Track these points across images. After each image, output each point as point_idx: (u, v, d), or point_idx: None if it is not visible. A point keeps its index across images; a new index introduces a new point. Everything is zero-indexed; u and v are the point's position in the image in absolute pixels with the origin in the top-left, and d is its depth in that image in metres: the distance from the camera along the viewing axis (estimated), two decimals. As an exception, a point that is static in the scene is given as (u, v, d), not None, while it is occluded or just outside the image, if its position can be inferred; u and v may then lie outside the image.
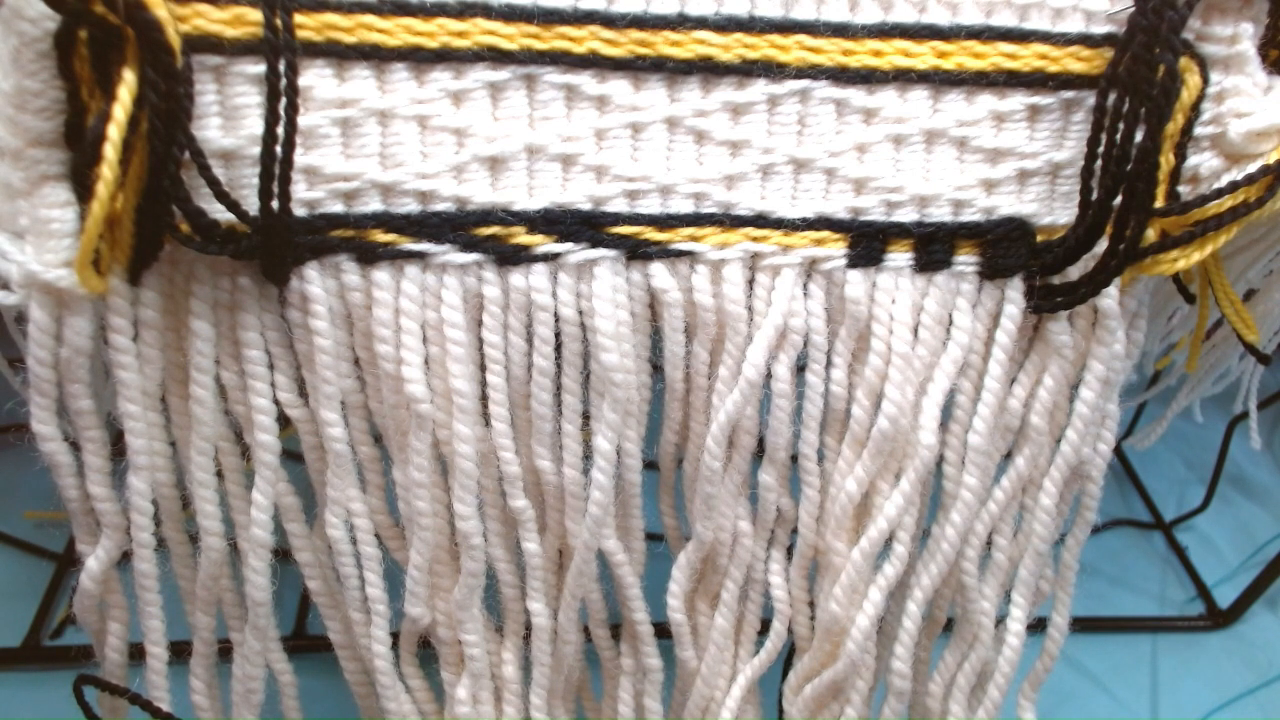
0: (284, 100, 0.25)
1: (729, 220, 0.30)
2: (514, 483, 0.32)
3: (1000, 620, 0.37)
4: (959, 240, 0.31)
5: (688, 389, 0.33)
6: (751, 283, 0.32)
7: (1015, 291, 0.32)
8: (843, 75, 0.29)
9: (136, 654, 0.32)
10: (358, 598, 0.33)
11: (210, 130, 0.26)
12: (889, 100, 0.29)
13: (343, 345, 0.30)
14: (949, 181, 0.31)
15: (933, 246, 0.31)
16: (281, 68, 0.24)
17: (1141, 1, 0.27)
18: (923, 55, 0.29)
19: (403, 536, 0.34)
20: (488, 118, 0.28)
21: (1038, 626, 0.38)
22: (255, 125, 0.26)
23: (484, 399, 0.31)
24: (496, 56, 0.27)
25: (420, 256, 0.29)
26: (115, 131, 0.24)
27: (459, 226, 0.29)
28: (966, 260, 0.32)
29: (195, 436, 0.30)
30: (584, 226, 0.30)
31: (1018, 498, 0.35)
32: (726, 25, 0.28)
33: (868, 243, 0.31)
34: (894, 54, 0.29)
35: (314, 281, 0.29)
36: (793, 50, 0.28)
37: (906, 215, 0.31)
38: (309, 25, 0.26)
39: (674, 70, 0.28)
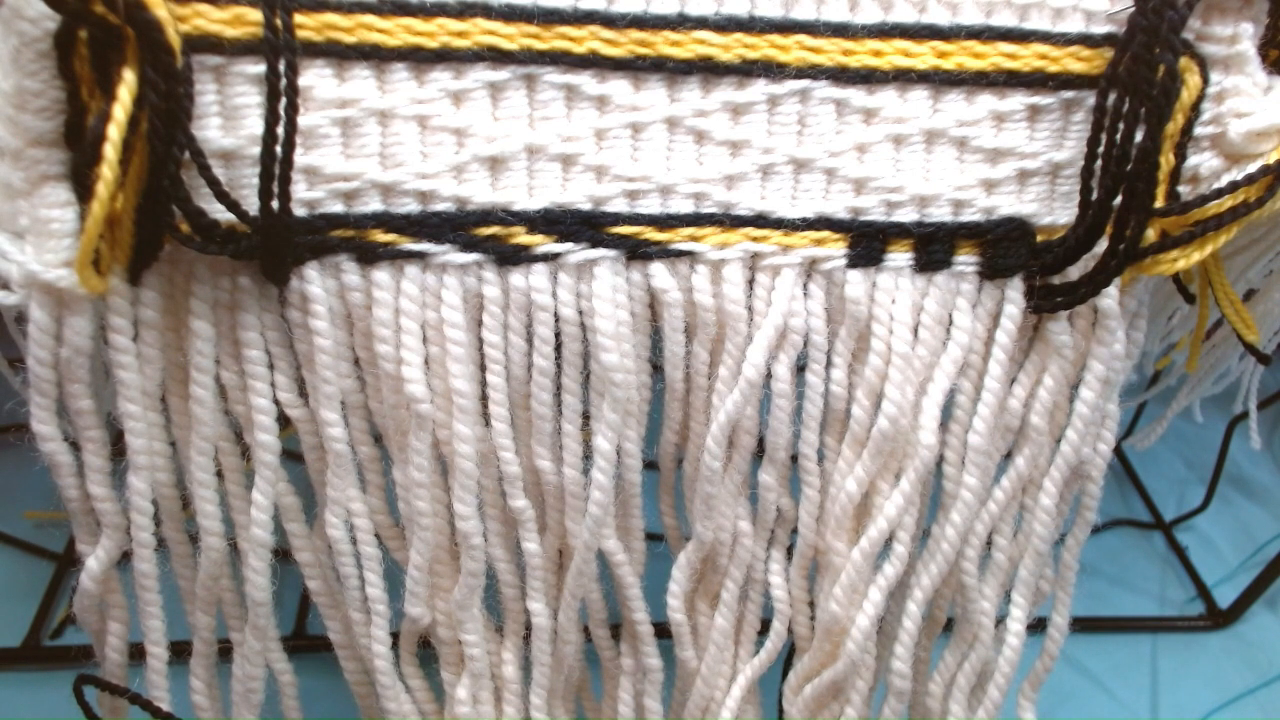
0: (284, 100, 0.25)
1: (729, 220, 0.30)
2: (514, 483, 0.32)
3: (1000, 620, 0.37)
4: (959, 240, 0.31)
5: (688, 389, 0.33)
6: (751, 283, 0.32)
7: (1015, 291, 0.32)
8: (843, 75, 0.29)
9: (136, 654, 0.32)
10: (358, 598, 0.33)
11: (210, 130, 0.26)
12: (889, 100, 0.29)
13: (343, 345, 0.30)
14: (949, 181, 0.31)
15: (933, 246, 0.31)
16: (281, 68, 0.24)
17: (1141, 1, 0.27)
18: (923, 55, 0.29)
19: (403, 536, 0.34)
20: (488, 118, 0.28)
21: (1038, 626, 0.38)
22: (255, 125, 0.26)
23: (484, 399, 0.31)
24: (496, 56, 0.27)
25: (420, 256, 0.29)
26: (115, 131, 0.24)
27: (459, 226, 0.29)
28: (966, 260, 0.32)
29: (195, 436, 0.30)
30: (584, 226, 0.30)
31: (1018, 498, 0.35)
32: (726, 25, 0.28)
33: (868, 243, 0.31)
34: (894, 54, 0.29)
35: (314, 281, 0.29)
36: (793, 50, 0.28)
37: (906, 215, 0.31)
38: (309, 25, 0.26)
39: (674, 70, 0.28)
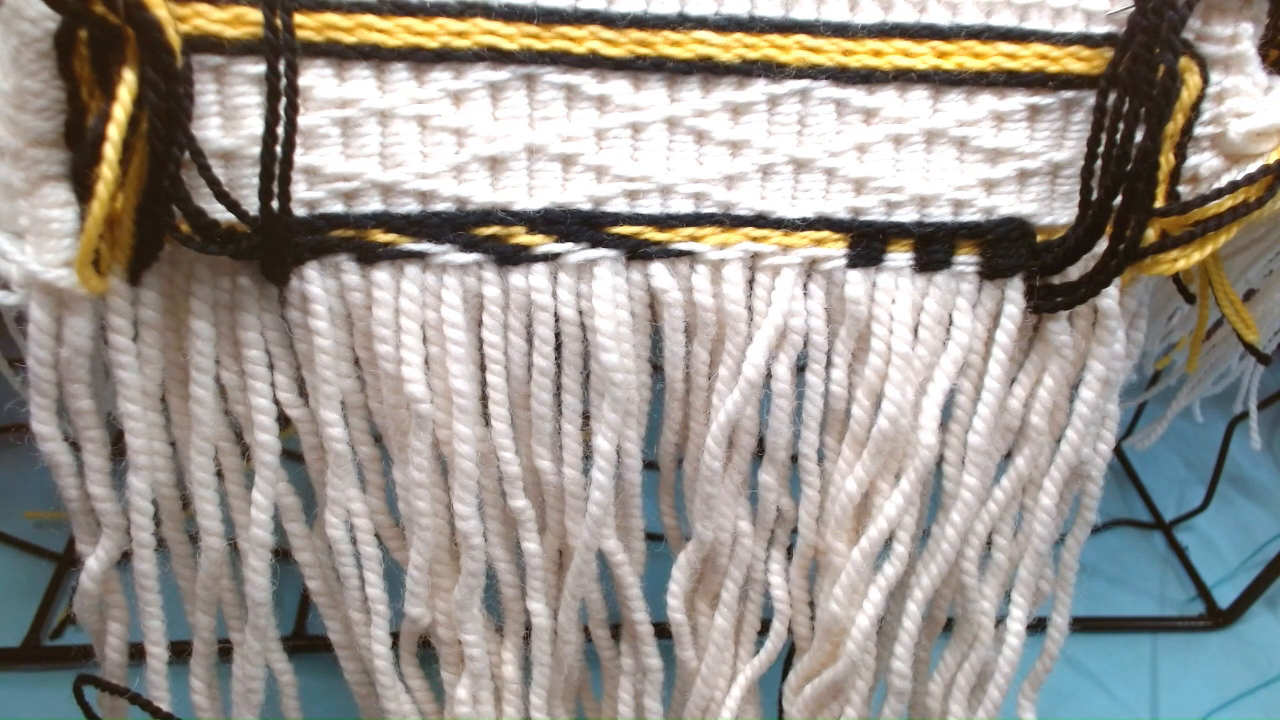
0: (284, 100, 0.25)
1: (729, 220, 0.30)
2: (514, 483, 0.32)
3: (1000, 620, 0.37)
4: (959, 240, 0.31)
5: (688, 389, 0.33)
6: (751, 283, 0.32)
7: (1015, 291, 0.32)
8: (843, 75, 0.29)
9: (136, 654, 0.32)
10: (358, 598, 0.33)
11: (210, 130, 0.26)
12: (889, 100, 0.29)
13: (343, 345, 0.30)
14: (949, 181, 0.31)
15: (933, 246, 0.31)
16: (281, 68, 0.24)
17: (1141, 1, 0.27)
18: (923, 55, 0.29)
19: (403, 536, 0.34)
20: (488, 118, 0.28)
21: (1038, 626, 0.38)
22: (255, 125, 0.26)
23: (484, 399, 0.31)
24: (496, 56, 0.27)
25: (420, 256, 0.29)
26: (115, 131, 0.24)
27: (459, 226, 0.29)
28: (966, 260, 0.32)
29: (195, 436, 0.30)
30: (584, 226, 0.30)
31: (1018, 498, 0.35)
32: (726, 25, 0.28)
33: (868, 243, 0.31)
34: (894, 54, 0.29)
35: (314, 281, 0.29)
36: (793, 50, 0.28)
37: (906, 215, 0.31)
38: (309, 25, 0.26)
39: (674, 70, 0.28)
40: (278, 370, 0.30)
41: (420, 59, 0.27)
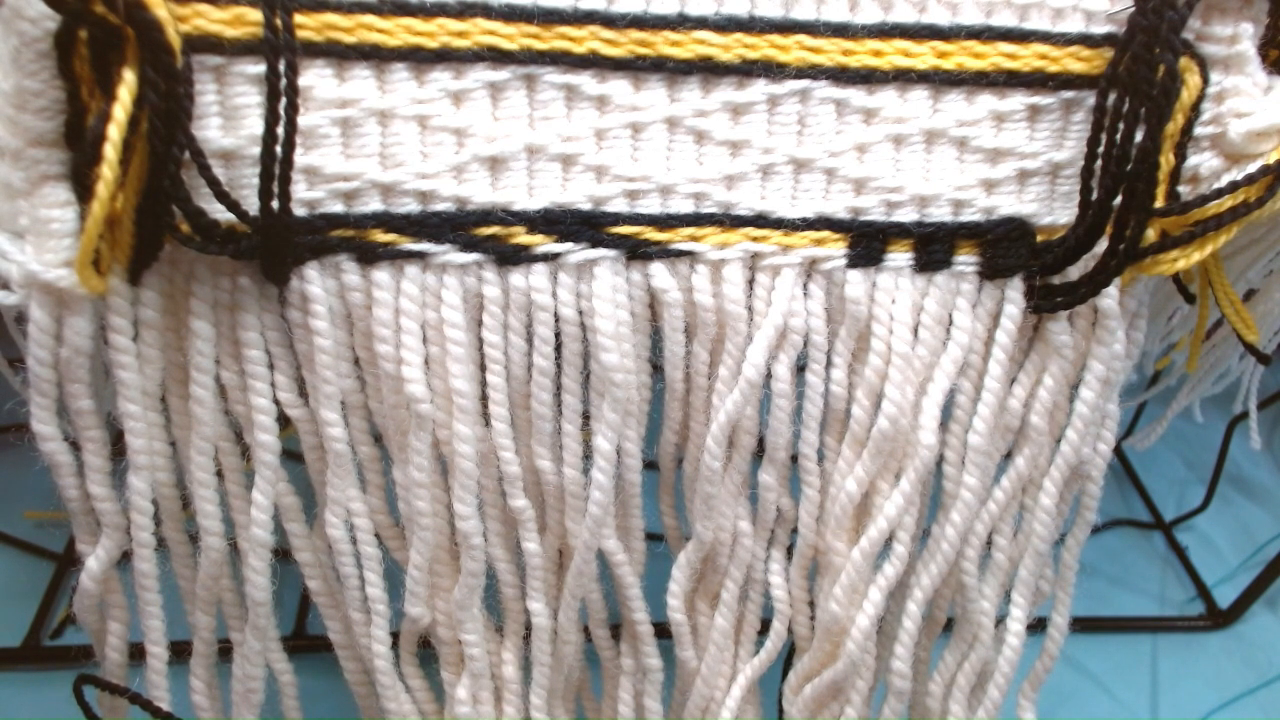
0: (284, 100, 0.25)
1: (729, 220, 0.30)
2: (514, 483, 0.32)
3: (1000, 620, 0.37)
4: (959, 240, 0.31)
5: (688, 389, 0.33)
6: (751, 283, 0.32)
7: (1015, 291, 0.32)
8: (843, 75, 0.29)
9: (136, 654, 0.32)
10: (358, 598, 0.33)
11: (210, 130, 0.26)
12: (889, 100, 0.29)
13: (343, 345, 0.30)
14: (949, 181, 0.31)
15: (933, 246, 0.31)
16: (281, 68, 0.24)
17: (1141, 1, 0.27)
18: (923, 55, 0.29)
19: (403, 536, 0.34)
20: (488, 118, 0.28)
21: (1038, 626, 0.38)
22: (255, 125, 0.26)
23: (484, 399, 0.31)
24: (496, 56, 0.27)
25: (420, 256, 0.29)
26: (115, 131, 0.24)
27: (459, 226, 0.29)
28: (966, 260, 0.32)
29: (195, 436, 0.30)
30: (584, 226, 0.30)
31: (1018, 498, 0.35)
32: (726, 25, 0.28)
33: (868, 243, 0.31)
34: (894, 54, 0.29)
35: (314, 281, 0.29)
36: (793, 50, 0.28)
37: (906, 215, 0.31)
38: (309, 25, 0.26)
39: (674, 70, 0.28)
40: (278, 370, 0.30)
41: (420, 59, 0.27)
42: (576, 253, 0.30)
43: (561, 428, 0.32)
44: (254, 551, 0.31)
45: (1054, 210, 0.31)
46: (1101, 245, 0.30)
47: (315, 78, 0.27)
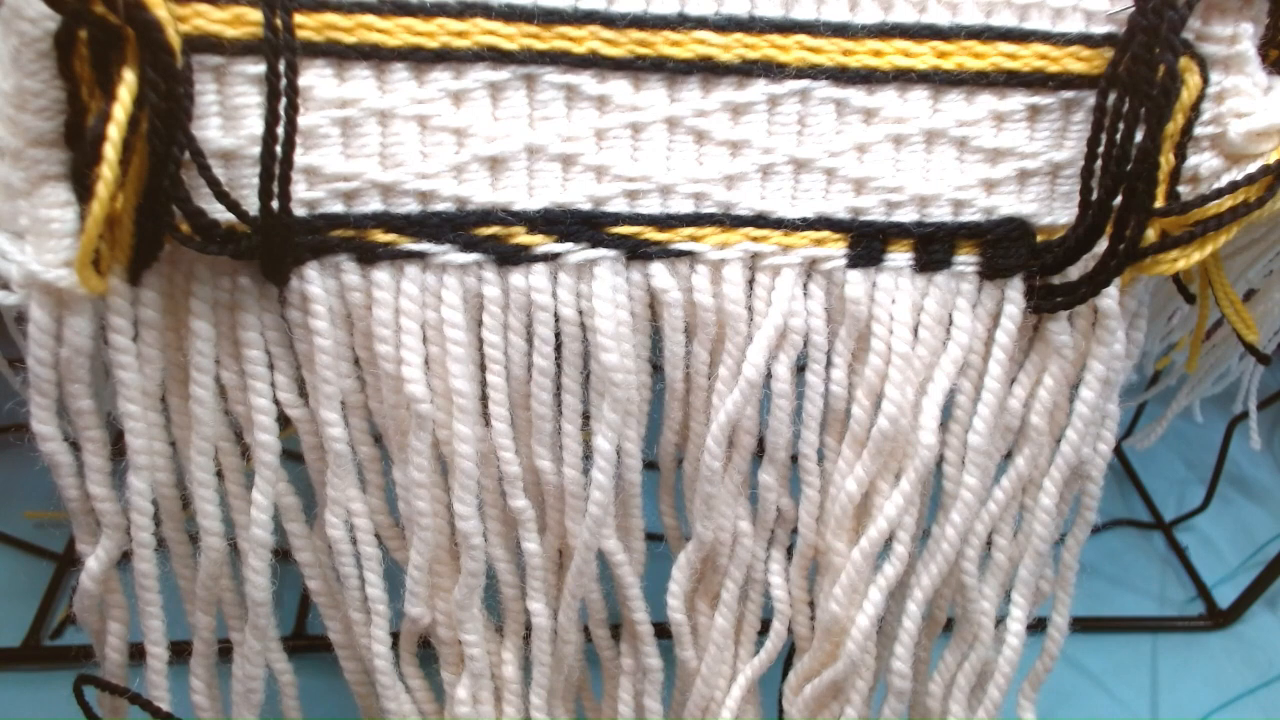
0: (284, 100, 0.25)
1: (729, 220, 0.30)
2: (514, 483, 0.32)
3: (1000, 620, 0.37)
4: (959, 240, 0.31)
5: (688, 389, 0.33)
6: (751, 283, 0.32)
7: (1015, 291, 0.32)
8: (843, 75, 0.29)
9: (136, 654, 0.32)
10: (358, 598, 0.33)
11: (210, 130, 0.26)
12: (889, 100, 0.29)
13: (343, 345, 0.30)
14: (949, 181, 0.31)
15: (933, 246, 0.31)
16: (281, 68, 0.24)
17: (1141, 1, 0.27)
18: (923, 55, 0.29)
19: (403, 536, 0.34)
20: (488, 118, 0.28)
21: (1038, 626, 0.38)
22: (255, 125, 0.26)
23: (484, 399, 0.31)
24: (496, 56, 0.27)
25: (420, 256, 0.29)
26: (115, 131, 0.24)
27: (459, 226, 0.29)
28: (966, 260, 0.32)
29: (195, 436, 0.30)
30: (584, 226, 0.30)
31: (1018, 498, 0.35)
32: (726, 25, 0.28)
33: (868, 243, 0.31)
34: (894, 54, 0.29)
35: (314, 281, 0.29)
36: (793, 50, 0.28)
37: (906, 215, 0.31)
38: (309, 25, 0.26)
39: (674, 70, 0.28)
40: (278, 370, 0.30)
41: (420, 59, 0.27)
42: (576, 253, 0.30)
43: (561, 428, 0.32)
44: (254, 551, 0.31)
45: (1054, 210, 0.31)
46: (1101, 245, 0.30)
47: (315, 78, 0.27)
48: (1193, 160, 0.30)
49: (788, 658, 0.38)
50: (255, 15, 0.25)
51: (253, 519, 0.31)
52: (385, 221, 0.28)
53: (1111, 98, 0.28)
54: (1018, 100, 0.30)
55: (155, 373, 0.29)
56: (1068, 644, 0.38)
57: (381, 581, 0.33)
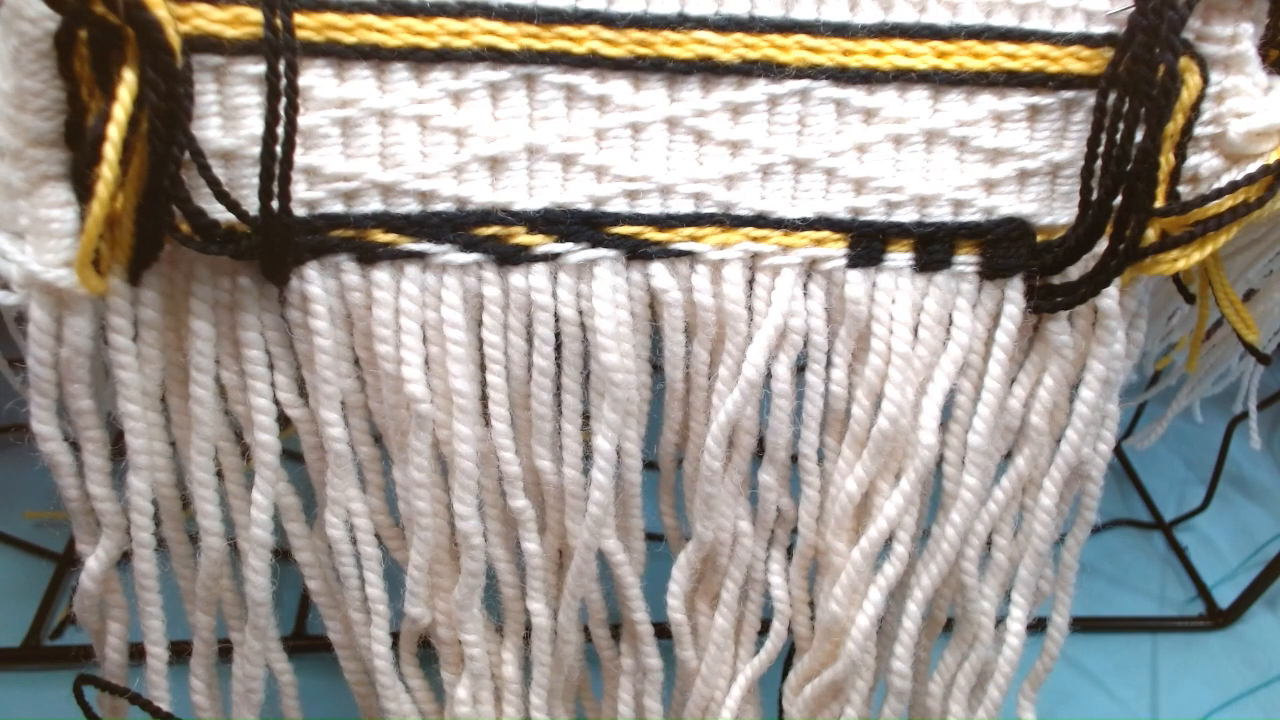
0: (284, 100, 0.25)
1: (729, 220, 0.30)
2: (514, 483, 0.32)
3: (1000, 620, 0.37)
4: (959, 240, 0.31)
5: (688, 389, 0.33)
6: (751, 283, 0.32)
7: (1015, 291, 0.32)
8: (843, 75, 0.29)
9: (136, 654, 0.32)
10: (358, 598, 0.33)
11: (210, 130, 0.26)
12: (889, 100, 0.29)
13: (343, 345, 0.30)
14: (949, 181, 0.31)
15: (933, 246, 0.31)
16: (281, 68, 0.24)
17: (1141, 1, 0.27)
18: (923, 55, 0.29)
19: (403, 536, 0.34)
20: (488, 118, 0.28)
21: (1038, 626, 0.38)
22: (255, 125, 0.26)
23: (484, 399, 0.31)
24: (496, 56, 0.27)
25: (420, 256, 0.29)
26: (115, 131, 0.24)
27: (459, 226, 0.29)
28: (966, 260, 0.32)
29: (195, 436, 0.30)
30: (584, 226, 0.30)
31: (1018, 498, 0.35)
32: (726, 25, 0.28)
33: (868, 243, 0.31)
34: (894, 54, 0.29)
35: (314, 281, 0.29)
36: (793, 50, 0.28)
37: (906, 215, 0.31)
38: (309, 25, 0.26)
39: (674, 70, 0.28)
40: (278, 370, 0.30)
41: (420, 59, 0.27)
42: (576, 253, 0.30)
43: (561, 428, 0.32)
44: (254, 551, 0.31)
45: (1054, 210, 0.31)
46: (1101, 245, 0.30)
47: (315, 78, 0.27)
48: (1193, 160, 0.30)
49: (788, 658, 0.38)
50: (255, 15, 0.25)
51: (253, 519, 0.31)
52: (385, 221, 0.28)
53: (1111, 98, 0.28)
54: (1018, 100, 0.30)
55: (155, 373, 0.29)
56: (1068, 644, 0.38)
57: (381, 581, 0.33)
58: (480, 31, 0.27)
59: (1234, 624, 0.60)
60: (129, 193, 0.25)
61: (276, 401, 0.31)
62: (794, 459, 0.35)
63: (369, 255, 0.29)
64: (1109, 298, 0.32)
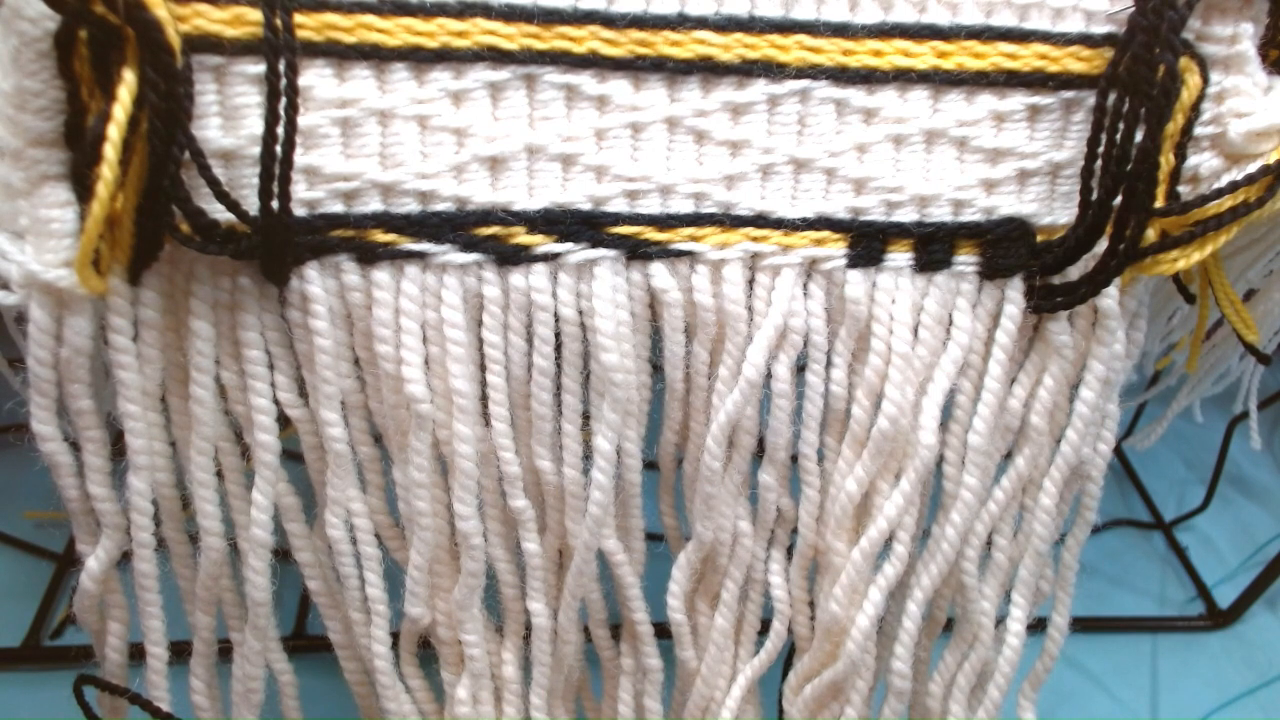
0: (284, 100, 0.25)
1: (729, 220, 0.30)
2: (514, 483, 0.32)
3: (1000, 620, 0.37)
4: (959, 240, 0.32)
5: (688, 389, 0.33)
6: (751, 283, 0.32)
7: (1015, 291, 0.32)
8: (843, 75, 0.29)
9: (136, 654, 0.32)
10: (358, 598, 0.33)
11: (210, 130, 0.26)
12: (889, 100, 0.29)
13: (343, 345, 0.30)
14: (949, 181, 0.31)
15: (933, 246, 0.31)
16: (281, 68, 0.24)
17: (1141, 1, 0.27)
18: (923, 55, 0.29)
19: (403, 536, 0.34)
20: (488, 118, 0.28)
21: (1038, 626, 0.38)
22: (255, 125, 0.26)
23: (484, 399, 0.31)
24: (496, 56, 0.27)
25: (420, 256, 0.29)
26: (115, 131, 0.24)
27: (459, 226, 0.29)
28: (966, 260, 0.32)
29: (195, 436, 0.30)
30: (584, 226, 0.30)
31: (1018, 498, 0.35)
32: (726, 25, 0.28)
33: (868, 243, 0.31)
34: (894, 54, 0.29)
35: (314, 281, 0.29)
36: (793, 50, 0.28)
37: (906, 215, 0.31)
38: (309, 25, 0.26)
39: (674, 70, 0.28)
40: (278, 370, 0.30)
41: (420, 59, 0.27)
42: (576, 253, 0.30)
43: (561, 428, 0.32)
44: (254, 551, 0.31)
45: (1054, 210, 0.31)
46: (1101, 245, 0.30)
47: (315, 78, 0.27)
48: (1193, 160, 0.30)
49: (788, 658, 0.38)
50: (255, 15, 0.25)
51: (253, 519, 0.31)
52: (385, 221, 0.28)
53: (1111, 98, 0.28)
54: (1018, 100, 0.30)
55: (155, 373, 0.29)
56: (1068, 644, 0.38)
57: (381, 581, 0.33)
58: (480, 31, 0.27)
59: (1234, 624, 0.60)
60: (129, 193, 0.25)
61: (276, 401, 0.31)
62: (794, 459, 0.35)
63: (369, 255, 0.29)
64: (1109, 298, 0.32)
